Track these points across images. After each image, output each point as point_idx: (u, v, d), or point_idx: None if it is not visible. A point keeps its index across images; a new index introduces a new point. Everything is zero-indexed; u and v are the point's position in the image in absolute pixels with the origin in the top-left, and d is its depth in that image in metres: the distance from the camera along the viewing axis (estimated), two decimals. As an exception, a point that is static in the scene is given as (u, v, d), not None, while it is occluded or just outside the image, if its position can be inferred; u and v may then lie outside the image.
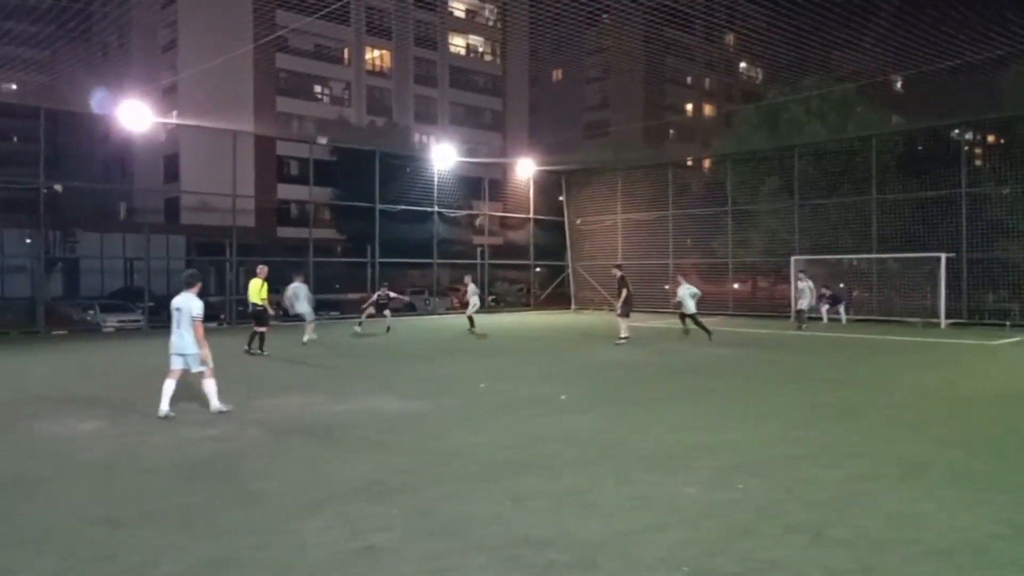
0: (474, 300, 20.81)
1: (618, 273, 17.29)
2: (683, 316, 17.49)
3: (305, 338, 16.67)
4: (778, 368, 13.24)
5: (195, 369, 8.53)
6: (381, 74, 55.12)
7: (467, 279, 21.85)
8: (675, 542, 4.52)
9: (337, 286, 20.12)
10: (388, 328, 20.14)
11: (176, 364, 8.47)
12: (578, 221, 32.30)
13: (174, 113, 40.64)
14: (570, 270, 32.33)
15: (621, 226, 30.68)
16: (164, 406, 8.37)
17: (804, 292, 21.16)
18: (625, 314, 16.58)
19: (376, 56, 55.03)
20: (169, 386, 8.46)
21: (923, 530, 4.70)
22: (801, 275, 21.83)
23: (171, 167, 45.93)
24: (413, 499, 5.41)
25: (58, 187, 24.05)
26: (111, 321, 23.23)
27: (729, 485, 5.71)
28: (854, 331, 20.37)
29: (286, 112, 48.76)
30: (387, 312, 20.47)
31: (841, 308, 23.32)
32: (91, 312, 24.95)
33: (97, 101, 22.01)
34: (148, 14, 48.20)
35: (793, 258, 23.97)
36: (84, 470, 6.32)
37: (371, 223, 26.82)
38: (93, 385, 11.21)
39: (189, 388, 9.21)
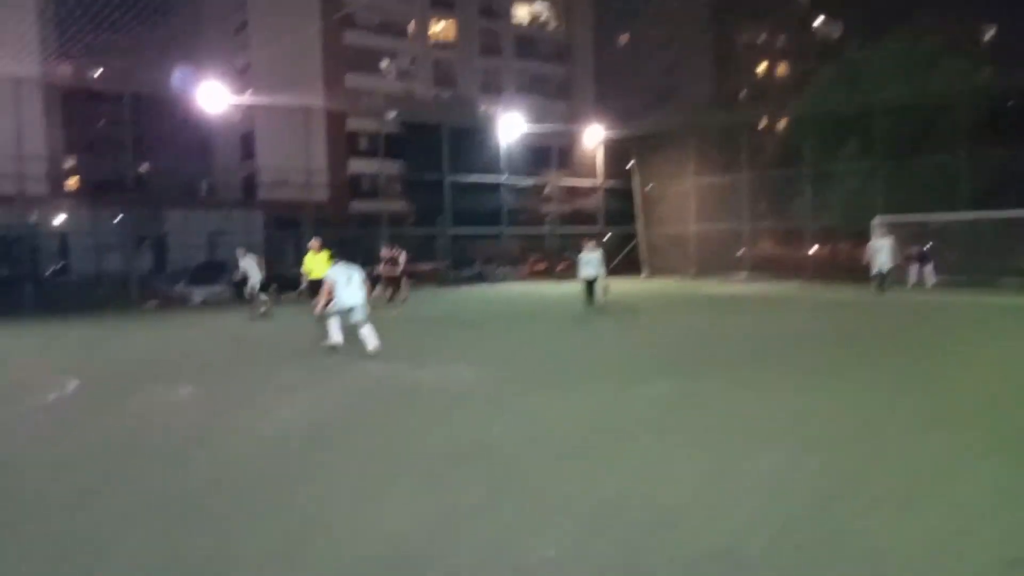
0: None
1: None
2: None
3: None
4: (859, 335, 12.87)
5: (356, 319, 10.42)
6: (446, 46, 55.13)
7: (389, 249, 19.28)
8: (755, 511, 4.53)
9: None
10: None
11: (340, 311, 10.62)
12: (648, 187, 31.82)
13: (248, 92, 41.65)
14: (641, 236, 31.97)
15: (693, 190, 30.08)
16: (338, 337, 10.69)
17: (883, 249, 20.20)
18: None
19: (440, 28, 55.00)
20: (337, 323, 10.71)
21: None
22: (881, 232, 20.90)
23: (247, 145, 47.21)
24: (498, 469, 5.56)
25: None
26: (199, 293, 24.13)
27: (811, 454, 5.66)
28: (942, 295, 19.56)
29: (354, 87, 49.35)
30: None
31: (928, 269, 22.30)
32: (179, 285, 25.93)
33: (178, 79, 22.72)
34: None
35: (876, 220, 22.91)
36: (182, 439, 6.70)
37: (441, 194, 27.12)
38: (190, 357, 11.78)
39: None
